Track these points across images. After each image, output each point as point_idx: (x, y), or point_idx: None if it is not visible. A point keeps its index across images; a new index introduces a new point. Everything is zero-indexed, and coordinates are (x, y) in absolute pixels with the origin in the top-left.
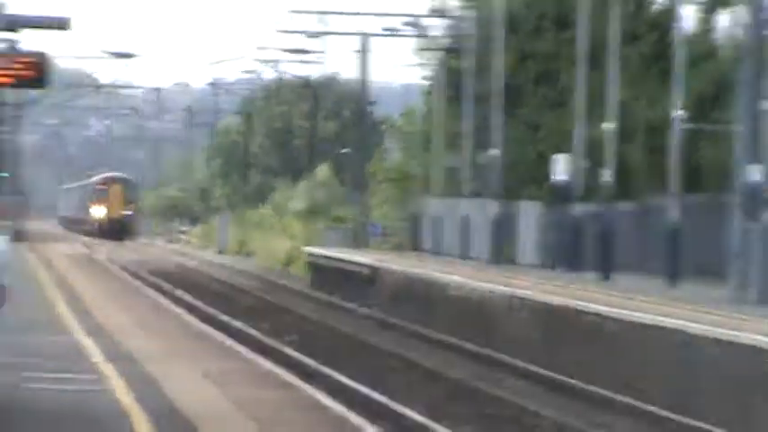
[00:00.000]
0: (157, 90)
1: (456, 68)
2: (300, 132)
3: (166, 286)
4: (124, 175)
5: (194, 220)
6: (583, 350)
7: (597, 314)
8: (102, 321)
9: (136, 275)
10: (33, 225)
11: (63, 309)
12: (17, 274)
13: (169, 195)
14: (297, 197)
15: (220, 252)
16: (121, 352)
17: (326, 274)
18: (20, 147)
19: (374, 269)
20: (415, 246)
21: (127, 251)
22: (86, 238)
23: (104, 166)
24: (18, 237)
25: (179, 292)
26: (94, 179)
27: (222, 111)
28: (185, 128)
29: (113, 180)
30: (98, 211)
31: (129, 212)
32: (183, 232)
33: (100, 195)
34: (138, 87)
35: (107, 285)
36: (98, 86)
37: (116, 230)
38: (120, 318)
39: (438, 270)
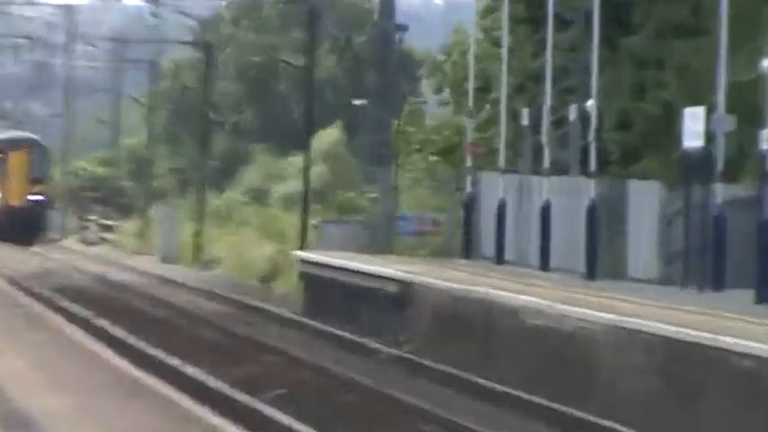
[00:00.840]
0: (68, 8)
1: None
2: (290, 74)
3: (85, 313)
4: (31, 136)
5: (126, 210)
6: (730, 411)
7: (755, 356)
8: None
9: (38, 297)
10: None
11: None
12: None
13: (87, 170)
14: (286, 175)
15: (165, 260)
16: (19, 415)
17: (330, 294)
18: None
19: (405, 285)
20: (467, 249)
21: (26, 257)
22: None
23: None
24: None
25: (102, 322)
26: None
27: (169, 40)
28: (111, 66)
29: (14, 144)
30: None
31: (40, 197)
32: (108, 228)
33: None
34: (39, 3)
35: None
36: None
37: (18, 227)
38: (15, 363)
39: (503, 288)
